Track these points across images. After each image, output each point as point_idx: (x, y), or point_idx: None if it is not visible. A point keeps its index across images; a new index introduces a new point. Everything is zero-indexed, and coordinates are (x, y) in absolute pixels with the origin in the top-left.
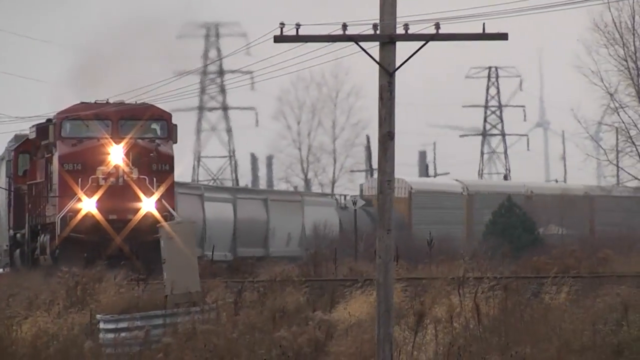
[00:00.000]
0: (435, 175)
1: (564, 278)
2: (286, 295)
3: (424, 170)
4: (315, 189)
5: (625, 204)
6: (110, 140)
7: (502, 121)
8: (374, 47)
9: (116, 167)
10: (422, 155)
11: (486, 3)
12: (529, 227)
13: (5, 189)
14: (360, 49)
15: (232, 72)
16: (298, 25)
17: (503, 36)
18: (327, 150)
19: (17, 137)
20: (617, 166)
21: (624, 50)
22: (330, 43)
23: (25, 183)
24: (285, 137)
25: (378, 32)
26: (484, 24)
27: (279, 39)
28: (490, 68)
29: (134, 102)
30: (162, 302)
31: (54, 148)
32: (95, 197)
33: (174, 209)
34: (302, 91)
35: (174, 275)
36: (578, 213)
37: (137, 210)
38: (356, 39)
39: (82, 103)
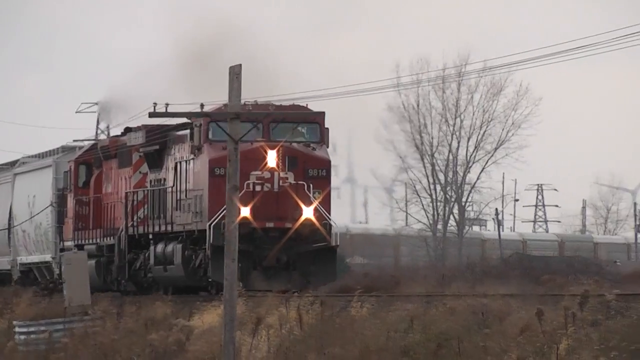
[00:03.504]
0: None
1: (366, 296)
2: (156, 307)
3: None
4: None
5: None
6: (264, 143)
7: None
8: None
9: (271, 172)
10: None
11: (310, 89)
12: (339, 257)
13: (54, 202)
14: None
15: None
16: (167, 105)
17: (321, 114)
18: None
19: (65, 149)
20: (406, 212)
21: (410, 125)
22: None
23: (89, 195)
24: None
25: (227, 109)
26: (307, 104)
27: (153, 114)
28: None
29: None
30: (63, 312)
31: (197, 151)
32: (251, 203)
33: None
34: None
35: (72, 291)
36: (378, 247)
37: (296, 218)
38: (211, 115)
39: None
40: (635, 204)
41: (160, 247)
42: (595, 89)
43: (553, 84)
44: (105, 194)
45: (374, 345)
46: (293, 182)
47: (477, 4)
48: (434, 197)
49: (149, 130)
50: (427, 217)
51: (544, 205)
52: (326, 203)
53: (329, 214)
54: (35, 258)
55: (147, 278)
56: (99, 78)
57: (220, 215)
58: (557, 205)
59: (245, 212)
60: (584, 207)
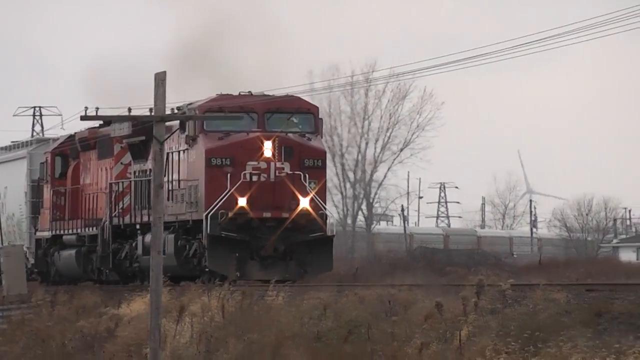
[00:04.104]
0: None
1: (282, 286)
2: (87, 296)
3: None
4: None
5: None
6: (260, 134)
7: None
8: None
9: (268, 163)
10: None
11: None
12: None
13: (26, 192)
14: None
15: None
16: (97, 108)
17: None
18: None
19: (39, 141)
20: None
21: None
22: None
23: (67, 186)
24: None
25: (153, 113)
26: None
27: (84, 117)
28: None
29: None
30: (1, 300)
31: (191, 142)
32: (247, 193)
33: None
34: None
35: (10, 281)
36: None
37: (292, 208)
38: (138, 118)
39: (222, 95)
40: (531, 201)
41: (149, 237)
42: (493, 94)
43: (455, 89)
44: (84, 184)
45: (289, 332)
46: (289, 172)
47: (385, 14)
48: (344, 194)
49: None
50: (338, 212)
51: (446, 202)
52: (322, 193)
53: (325, 204)
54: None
55: (132, 267)
56: (34, 84)
57: (218, 206)
58: (458, 202)
59: (242, 202)
60: (483, 204)
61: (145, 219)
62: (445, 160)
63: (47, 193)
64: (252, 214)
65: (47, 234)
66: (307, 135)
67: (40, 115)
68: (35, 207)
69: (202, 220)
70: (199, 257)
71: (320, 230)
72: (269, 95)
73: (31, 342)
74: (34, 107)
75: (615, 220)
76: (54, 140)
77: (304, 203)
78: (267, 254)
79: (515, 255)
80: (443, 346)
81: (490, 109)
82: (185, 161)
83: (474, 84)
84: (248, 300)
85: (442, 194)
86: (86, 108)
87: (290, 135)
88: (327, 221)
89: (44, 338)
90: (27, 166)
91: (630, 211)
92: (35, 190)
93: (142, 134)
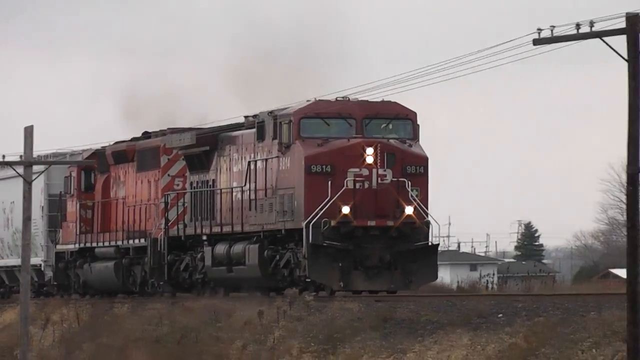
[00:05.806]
0: None
1: (126, 299)
2: None
3: None
4: None
5: None
6: (361, 139)
7: None
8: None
9: (370, 170)
10: None
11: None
12: None
13: (40, 206)
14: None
15: None
16: (4, 156)
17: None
18: None
19: (56, 156)
20: None
21: None
22: None
23: (95, 199)
24: None
25: (23, 159)
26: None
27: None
28: None
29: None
30: None
31: (284, 149)
32: (351, 201)
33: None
34: None
35: None
36: None
37: (397, 216)
38: (11, 164)
39: (320, 100)
40: None
41: (221, 247)
42: None
43: None
44: (118, 197)
45: (133, 336)
46: (392, 179)
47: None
48: None
49: (198, 131)
50: None
51: None
52: (425, 201)
53: (428, 211)
54: (12, 261)
55: (193, 280)
56: None
57: (319, 214)
58: None
59: (346, 210)
60: None
61: (216, 229)
62: None
63: (72, 207)
64: (356, 222)
65: (72, 247)
66: (407, 141)
67: None
68: (53, 221)
69: (297, 229)
70: (292, 268)
71: (425, 239)
72: (366, 101)
73: None
74: None
75: None
76: (72, 155)
77: (409, 211)
78: (372, 263)
79: None
80: (259, 347)
81: None
82: (275, 169)
83: None
84: (100, 310)
85: None
86: (4, 156)
87: (391, 141)
88: (431, 229)
89: None
90: (43, 181)
91: None
92: (54, 204)
93: (206, 144)
